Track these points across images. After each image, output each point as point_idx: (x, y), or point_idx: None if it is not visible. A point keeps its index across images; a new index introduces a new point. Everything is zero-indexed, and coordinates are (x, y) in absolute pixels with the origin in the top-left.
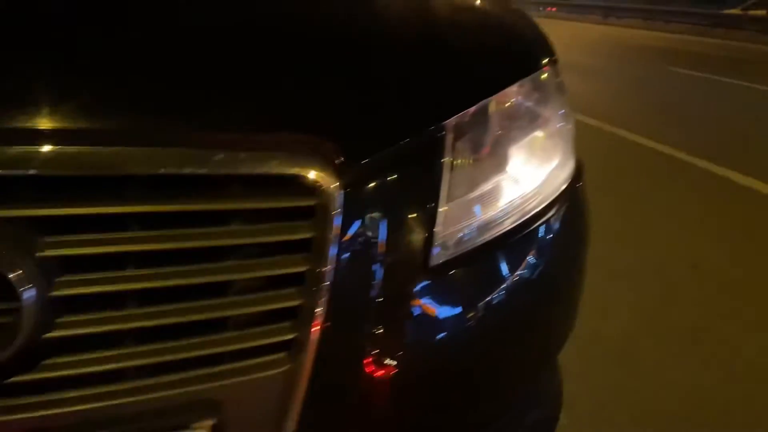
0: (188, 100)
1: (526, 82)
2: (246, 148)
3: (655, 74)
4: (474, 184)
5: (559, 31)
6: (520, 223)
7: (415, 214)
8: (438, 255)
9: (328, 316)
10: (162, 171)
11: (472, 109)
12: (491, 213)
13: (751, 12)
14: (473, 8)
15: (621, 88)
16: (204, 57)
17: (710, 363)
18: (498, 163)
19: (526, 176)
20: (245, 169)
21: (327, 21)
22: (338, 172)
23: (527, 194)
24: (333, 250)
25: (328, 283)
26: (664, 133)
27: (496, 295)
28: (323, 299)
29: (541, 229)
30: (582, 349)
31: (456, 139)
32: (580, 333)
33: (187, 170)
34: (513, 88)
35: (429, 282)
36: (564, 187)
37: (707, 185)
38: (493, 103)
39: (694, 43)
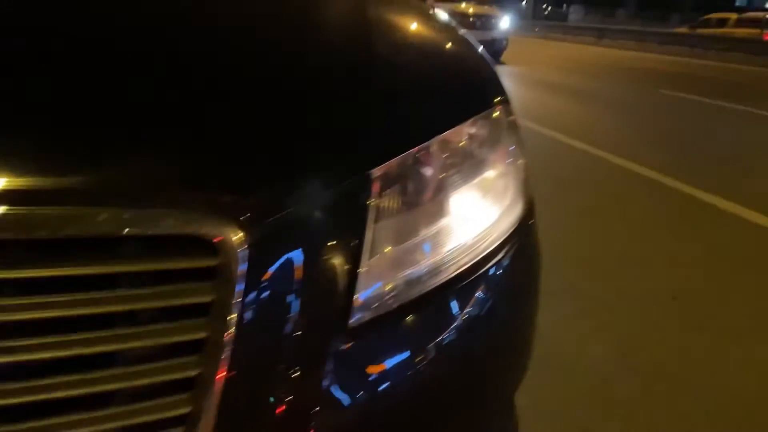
0: (73, 153)
1: (472, 123)
2: (137, 206)
3: (645, 97)
4: (407, 235)
5: (554, 53)
6: (461, 272)
7: (333, 272)
8: (360, 314)
9: (230, 386)
10: (37, 235)
11: (406, 154)
12: (426, 264)
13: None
14: (414, 43)
15: (610, 110)
16: (90, 103)
17: (699, 404)
18: (437, 210)
19: (471, 222)
20: (135, 230)
21: (237, 57)
22: (243, 228)
23: (471, 241)
24: (236, 314)
25: (230, 351)
26: (649, 157)
27: (429, 353)
28: (224, 368)
29: (486, 276)
30: (556, 388)
31: (385, 187)
32: (553, 369)
33: (67, 232)
34: (457, 130)
35: (349, 344)
36: (512, 229)
37: (690, 210)
38: (434, 146)
39: (685, 65)
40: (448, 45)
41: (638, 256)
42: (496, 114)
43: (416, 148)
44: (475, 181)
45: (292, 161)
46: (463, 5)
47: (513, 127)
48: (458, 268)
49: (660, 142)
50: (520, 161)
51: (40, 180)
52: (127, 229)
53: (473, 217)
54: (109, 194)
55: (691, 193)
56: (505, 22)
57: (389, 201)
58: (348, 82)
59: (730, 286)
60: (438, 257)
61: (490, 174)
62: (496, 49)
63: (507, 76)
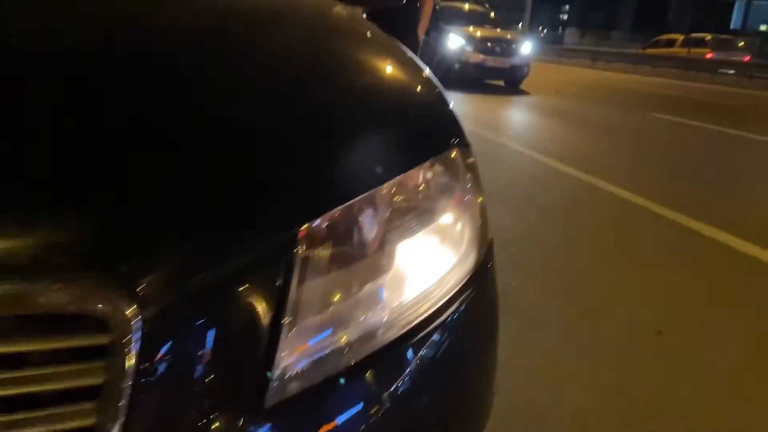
0: None
1: (424, 167)
2: (23, 280)
3: (637, 120)
4: (343, 295)
5: (550, 76)
6: (406, 332)
7: (247, 345)
8: (280, 391)
9: None
10: None
11: (343, 206)
12: (364, 326)
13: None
14: (361, 80)
15: (602, 135)
16: None
17: None
18: (379, 264)
19: (420, 274)
20: (14, 308)
21: (146, 102)
22: (138, 301)
23: (420, 295)
24: (128, 397)
25: None
26: (638, 184)
27: (370, 428)
28: None
29: (437, 332)
30: None
31: (317, 243)
32: (527, 420)
33: None
34: (407, 176)
35: (266, 426)
36: (468, 278)
37: (677, 239)
38: (379, 194)
39: (677, 88)
40: (400, 81)
41: (622, 284)
42: (451, 157)
43: (357, 198)
44: (427, 229)
45: (202, 222)
46: (480, 30)
47: (471, 169)
48: (404, 328)
49: (649, 166)
50: (479, 202)
51: None
52: (5, 308)
53: (423, 269)
54: None
55: (677, 220)
56: (526, 47)
57: (321, 258)
58: (278, 126)
59: (718, 319)
60: (380, 317)
61: (444, 220)
62: (516, 76)
63: (517, 103)
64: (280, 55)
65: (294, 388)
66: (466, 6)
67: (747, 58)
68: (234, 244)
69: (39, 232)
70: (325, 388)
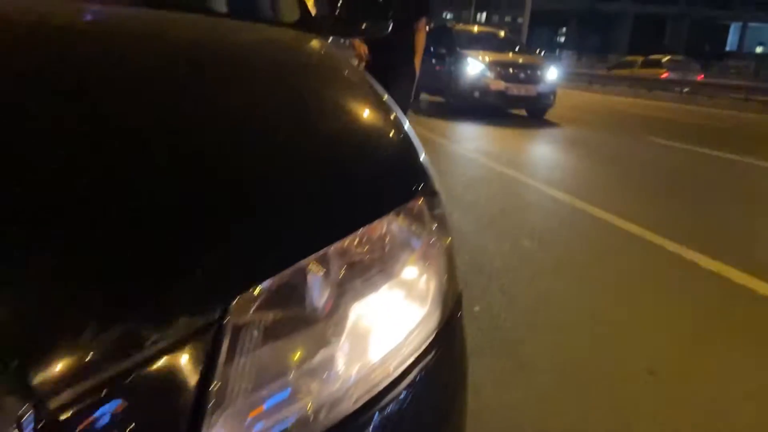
0: None
1: (385, 220)
2: None
3: (634, 145)
4: (289, 368)
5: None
6: (368, 401)
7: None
8: None
9: None
10: None
11: (280, 275)
12: (318, 400)
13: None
14: (316, 123)
15: (598, 160)
16: None
17: None
18: (329, 332)
19: (379, 338)
20: None
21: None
22: (33, 397)
23: (378, 361)
24: None
25: None
26: (634, 211)
27: None
28: None
29: (399, 400)
30: None
31: (251, 314)
32: None
33: None
34: (364, 231)
35: None
36: (433, 336)
37: (672, 269)
38: (331, 252)
39: (674, 111)
40: (364, 125)
41: (612, 321)
42: (416, 207)
43: (304, 260)
44: (388, 285)
45: (113, 299)
46: (501, 55)
47: (438, 219)
48: (363, 396)
49: (644, 192)
50: (446, 254)
51: None
52: None
53: (384, 330)
54: None
55: (673, 250)
56: (551, 73)
57: (260, 328)
58: (216, 178)
59: (715, 357)
60: (335, 386)
61: (407, 275)
62: (542, 105)
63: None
64: (233, 97)
65: None
66: (485, 29)
67: (701, 77)
68: (150, 322)
69: None
70: None
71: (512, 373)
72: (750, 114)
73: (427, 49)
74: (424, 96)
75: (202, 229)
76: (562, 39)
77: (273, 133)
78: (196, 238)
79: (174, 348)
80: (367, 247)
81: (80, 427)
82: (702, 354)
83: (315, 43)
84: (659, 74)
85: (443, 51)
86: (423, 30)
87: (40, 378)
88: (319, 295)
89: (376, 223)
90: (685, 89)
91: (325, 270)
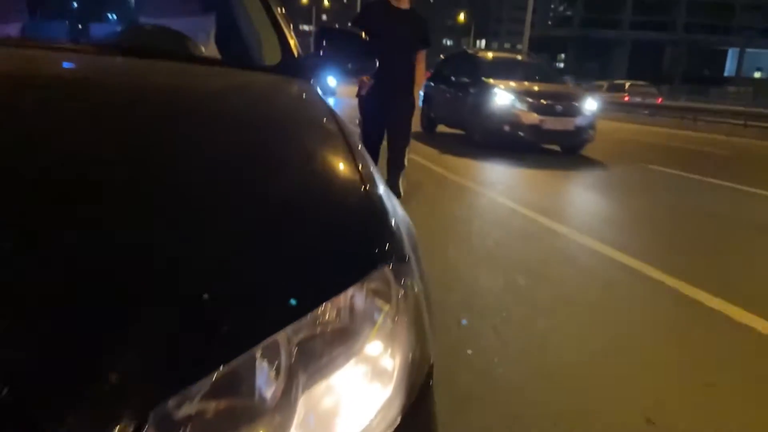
0: None
1: (344, 296)
2: None
3: (633, 173)
4: None
5: None
6: None
7: None
8: None
9: None
10: None
11: (222, 366)
12: None
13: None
14: (275, 193)
15: (595, 189)
16: None
17: None
18: (280, 422)
19: (338, 425)
20: None
21: None
22: None
23: None
24: None
25: None
26: (632, 245)
27: None
28: None
29: None
30: None
31: (191, 405)
32: None
33: None
34: (315, 313)
35: None
36: (399, 421)
37: (671, 306)
38: (279, 339)
39: (678, 138)
40: (328, 186)
41: (609, 364)
42: (382, 276)
43: (249, 352)
44: (348, 365)
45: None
46: (533, 84)
47: (406, 288)
48: None
49: (643, 224)
50: (414, 326)
51: None
52: None
53: (344, 416)
54: None
55: (674, 287)
56: (590, 104)
57: (202, 421)
58: (153, 259)
59: (720, 407)
60: None
61: (370, 351)
62: (579, 140)
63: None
64: (183, 153)
65: None
66: (509, 55)
67: (659, 100)
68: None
69: None
70: None
71: (503, 426)
72: (751, 140)
73: (446, 78)
74: (441, 128)
75: (128, 320)
76: (561, 65)
77: (223, 197)
78: (123, 331)
79: None
80: (325, 324)
81: None
82: (706, 404)
83: (287, 90)
84: (622, 97)
85: (465, 80)
86: (422, 62)
87: None
88: (267, 383)
89: (331, 301)
90: (645, 111)
91: (275, 355)
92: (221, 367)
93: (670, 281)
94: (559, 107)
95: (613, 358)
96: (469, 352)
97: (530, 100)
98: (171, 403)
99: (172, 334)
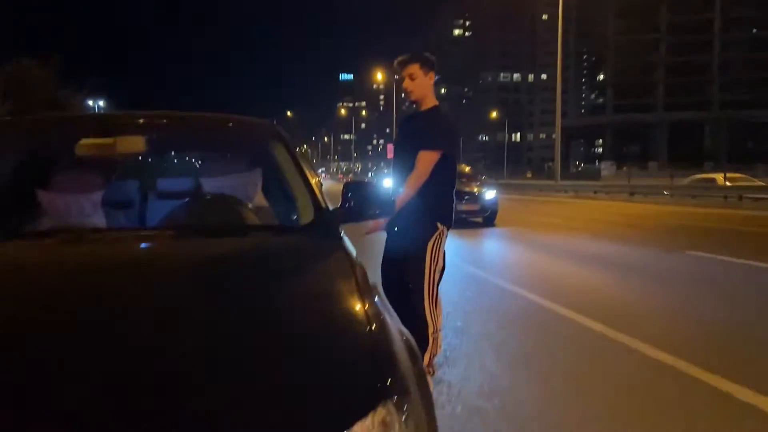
0: None
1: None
2: None
3: (671, 260)
4: None
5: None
6: None
7: None
8: None
9: None
10: None
11: None
12: None
13: None
14: (299, 346)
15: (631, 279)
16: None
17: None
18: None
19: None
20: None
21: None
22: None
23: None
24: None
25: None
26: (674, 342)
27: None
28: None
29: None
30: None
31: None
32: None
33: None
34: None
35: None
36: None
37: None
38: None
39: (715, 218)
40: (332, 330)
41: None
42: (384, 412)
43: None
44: None
45: None
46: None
47: (412, 418)
48: None
49: (680, 315)
50: None
51: None
52: None
53: None
54: None
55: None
56: (489, 193)
57: None
58: (196, 407)
59: None
60: None
61: None
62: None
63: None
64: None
65: None
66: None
67: None
68: None
69: None
70: None
71: None
72: None
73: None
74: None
75: None
76: (600, 150)
77: (274, 346)
78: None
79: None
80: None
81: None
82: None
83: (319, 250)
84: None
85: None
86: (421, 164)
87: None
88: None
89: (353, 427)
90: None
91: None
92: None
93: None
94: (468, 197)
95: None
96: None
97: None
98: None
99: None
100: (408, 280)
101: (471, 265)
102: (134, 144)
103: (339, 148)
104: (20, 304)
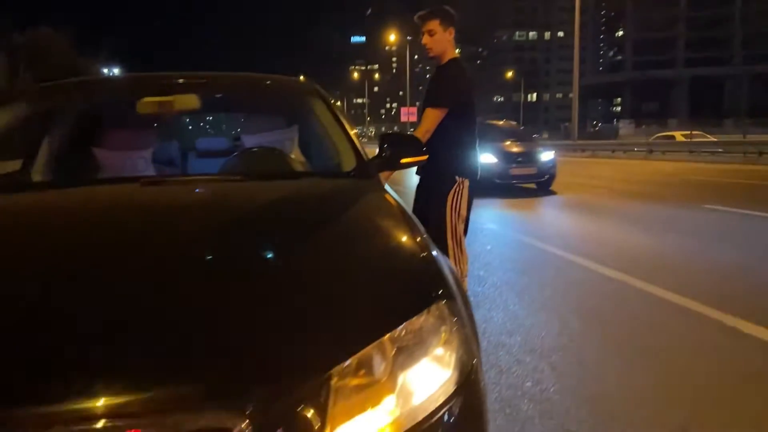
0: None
1: (419, 317)
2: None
3: (689, 215)
4: (366, 407)
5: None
6: (415, 424)
7: None
8: None
9: None
10: None
11: (358, 354)
12: (387, 422)
13: None
14: (368, 257)
15: (651, 232)
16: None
17: None
18: (390, 386)
19: (419, 390)
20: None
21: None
22: (248, 418)
23: (421, 403)
24: None
25: None
26: (692, 288)
27: None
28: None
29: (437, 425)
30: None
31: (344, 376)
32: None
33: None
34: (402, 327)
35: None
36: (459, 384)
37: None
38: (384, 341)
39: (733, 174)
40: (397, 249)
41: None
42: (440, 306)
43: (372, 344)
44: (425, 359)
45: (283, 361)
46: (509, 144)
47: (455, 314)
48: (413, 423)
49: (696, 263)
50: (461, 337)
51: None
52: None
53: (425, 384)
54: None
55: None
56: (547, 154)
57: (349, 384)
58: (308, 297)
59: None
60: (390, 420)
61: (437, 351)
62: (543, 179)
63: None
64: (309, 237)
65: None
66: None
67: None
68: (295, 379)
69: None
70: None
71: None
72: None
73: None
74: None
75: (328, 326)
76: (618, 108)
77: (352, 262)
78: (316, 332)
79: (307, 395)
80: (409, 335)
81: None
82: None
83: (366, 190)
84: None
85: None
86: (425, 120)
87: (249, 410)
88: (379, 366)
89: (412, 319)
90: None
91: (384, 350)
92: (356, 355)
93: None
94: (522, 159)
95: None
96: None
97: (503, 154)
98: (332, 372)
99: (336, 335)
100: (431, 228)
101: (490, 223)
102: (189, 102)
103: (352, 112)
104: (99, 234)
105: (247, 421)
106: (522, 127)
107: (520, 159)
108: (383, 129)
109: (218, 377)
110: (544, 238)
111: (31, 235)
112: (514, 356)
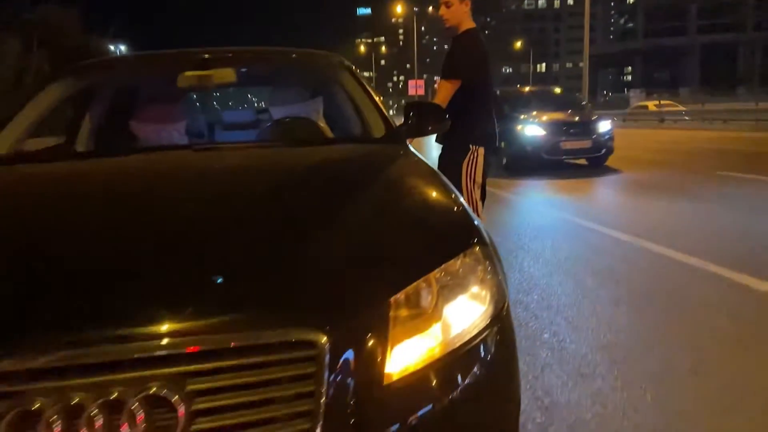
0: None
1: (458, 258)
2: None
3: (702, 181)
4: (416, 333)
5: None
6: (459, 346)
7: (374, 354)
8: (389, 376)
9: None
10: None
11: (409, 287)
12: (434, 345)
13: None
14: (410, 208)
15: (662, 198)
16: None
17: None
18: (436, 316)
19: (462, 319)
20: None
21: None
22: (327, 334)
23: (463, 331)
24: (327, 376)
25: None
26: (702, 248)
27: (443, 398)
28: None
29: (478, 347)
30: None
31: (399, 307)
32: None
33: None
34: (448, 264)
35: (383, 396)
36: (494, 317)
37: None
38: (430, 278)
39: (745, 142)
40: (436, 202)
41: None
42: (475, 250)
43: (419, 279)
44: (463, 295)
45: (350, 291)
46: (559, 113)
47: (489, 258)
48: (456, 346)
49: (709, 226)
50: (495, 278)
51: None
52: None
53: (464, 316)
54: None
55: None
56: (604, 125)
57: (402, 314)
58: (363, 240)
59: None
60: (435, 344)
61: (473, 290)
62: (598, 154)
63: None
64: (360, 193)
65: (395, 376)
66: (545, 89)
67: None
68: (362, 305)
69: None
70: (418, 377)
71: (574, 378)
72: None
73: None
74: None
75: (380, 264)
76: (629, 78)
77: (394, 215)
78: (378, 267)
79: (371, 321)
80: (450, 273)
81: (339, 357)
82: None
83: (399, 152)
84: None
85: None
86: (439, 92)
87: (327, 327)
88: (426, 299)
89: (452, 260)
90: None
91: (429, 286)
92: (408, 288)
93: None
94: (575, 130)
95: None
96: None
97: (552, 126)
98: (390, 301)
99: (390, 271)
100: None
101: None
102: (227, 75)
103: None
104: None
105: (326, 337)
106: (578, 94)
107: (572, 131)
108: (390, 102)
109: (303, 301)
110: (561, 207)
111: (109, 193)
112: (531, 311)
